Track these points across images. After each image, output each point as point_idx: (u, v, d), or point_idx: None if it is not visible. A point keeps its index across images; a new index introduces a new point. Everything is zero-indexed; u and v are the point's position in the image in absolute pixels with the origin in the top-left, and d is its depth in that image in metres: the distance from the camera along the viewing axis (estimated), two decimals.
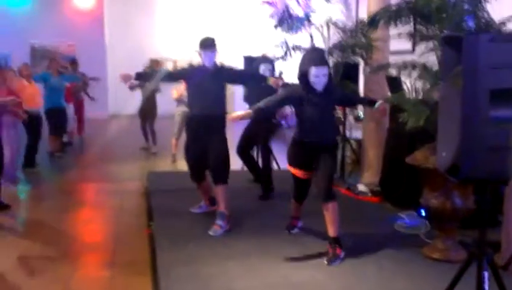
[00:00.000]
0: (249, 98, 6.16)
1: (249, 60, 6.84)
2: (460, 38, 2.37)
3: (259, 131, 5.84)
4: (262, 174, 5.87)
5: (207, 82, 4.61)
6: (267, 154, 5.90)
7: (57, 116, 8.41)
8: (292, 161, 4.25)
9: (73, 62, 10.61)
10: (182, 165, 5.90)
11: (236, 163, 7.00)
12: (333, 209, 3.95)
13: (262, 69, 5.63)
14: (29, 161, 7.51)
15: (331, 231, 3.97)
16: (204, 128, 4.67)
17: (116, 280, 3.89)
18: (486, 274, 2.47)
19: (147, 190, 6.27)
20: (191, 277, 3.62)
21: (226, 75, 4.84)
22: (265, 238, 4.42)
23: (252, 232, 4.59)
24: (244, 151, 6.06)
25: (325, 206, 3.97)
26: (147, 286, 3.76)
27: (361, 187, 6.05)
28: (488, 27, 3.93)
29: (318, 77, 3.92)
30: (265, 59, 5.76)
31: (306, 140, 4.09)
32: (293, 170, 4.25)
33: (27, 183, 6.57)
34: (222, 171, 4.67)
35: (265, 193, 5.71)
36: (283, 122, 7.70)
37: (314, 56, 4.10)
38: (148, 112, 9.20)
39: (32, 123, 7.25)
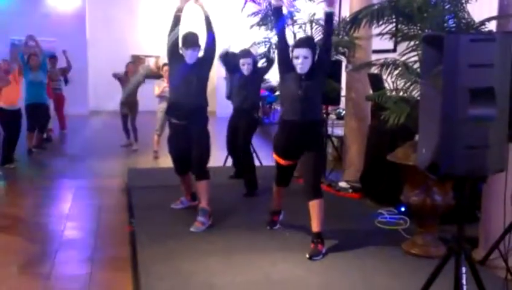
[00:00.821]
0: (230, 96, 6.17)
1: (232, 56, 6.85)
2: (441, 38, 2.40)
3: (240, 125, 5.85)
4: (245, 172, 5.88)
5: (188, 74, 4.59)
6: (248, 152, 5.90)
7: (37, 113, 8.30)
8: (277, 148, 4.23)
9: (53, 57, 10.48)
10: (164, 162, 5.87)
11: (218, 159, 7.01)
12: (319, 206, 3.97)
13: (242, 62, 5.68)
14: (7, 157, 7.41)
15: (315, 227, 4.00)
16: (184, 118, 4.63)
17: (96, 277, 3.86)
18: (464, 269, 2.51)
19: (127, 187, 6.22)
20: (171, 274, 3.60)
21: (206, 67, 4.80)
22: (246, 234, 4.42)
23: (234, 228, 4.59)
24: (232, 143, 6.07)
25: (310, 203, 3.99)
26: (127, 282, 3.74)
27: (342, 184, 6.09)
28: (468, 27, 3.99)
29: (298, 58, 3.94)
30: (245, 53, 5.82)
31: (287, 118, 4.08)
32: (277, 158, 4.24)
33: (5, 180, 6.48)
34: (203, 167, 4.66)
35: (250, 191, 5.73)
36: (266, 119, 7.76)
37: (297, 40, 4.20)
38: (129, 108, 9.13)
39: (8, 120, 7.19)
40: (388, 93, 4.40)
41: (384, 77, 4.54)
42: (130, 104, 9.10)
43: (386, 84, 4.80)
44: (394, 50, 6.21)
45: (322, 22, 6.55)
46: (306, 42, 4.09)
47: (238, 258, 3.92)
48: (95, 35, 14.26)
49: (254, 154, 6.18)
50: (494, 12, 4.05)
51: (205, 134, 4.71)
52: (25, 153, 8.18)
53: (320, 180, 4.18)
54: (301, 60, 3.93)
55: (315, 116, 4.12)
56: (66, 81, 10.42)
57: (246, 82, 5.72)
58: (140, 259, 3.86)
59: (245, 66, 5.65)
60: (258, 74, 5.96)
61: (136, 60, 9.92)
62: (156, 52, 14.76)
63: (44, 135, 9.35)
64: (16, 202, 5.88)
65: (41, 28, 13.46)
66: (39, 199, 5.96)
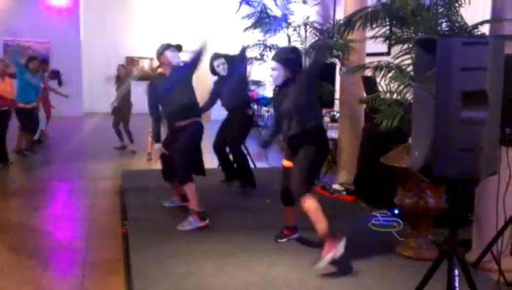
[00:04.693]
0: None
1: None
2: (434, 41, 2.41)
3: (233, 123, 5.92)
4: (240, 169, 5.95)
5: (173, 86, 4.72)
6: (238, 153, 5.93)
7: (26, 114, 8.29)
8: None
9: (44, 61, 10.47)
10: (157, 164, 5.85)
11: (212, 162, 7.00)
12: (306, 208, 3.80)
13: (216, 64, 5.88)
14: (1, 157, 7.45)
15: None
16: (174, 126, 4.80)
17: (89, 280, 3.83)
18: (456, 272, 2.52)
19: (121, 188, 6.21)
20: (165, 276, 3.59)
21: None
22: (241, 236, 4.42)
23: (228, 230, 4.59)
24: (219, 146, 6.07)
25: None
26: (120, 285, 3.72)
27: (336, 186, 6.10)
28: (462, 31, 4.01)
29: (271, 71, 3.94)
30: (217, 55, 5.97)
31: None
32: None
33: None
34: (178, 171, 4.63)
35: (244, 182, 5.93)
36: (261, 122, 7.79)
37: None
38: (122, 110, 9.11)
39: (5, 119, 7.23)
40: (382, 96, 4.42)
41: (378, 79, 4.55)
42: (123, 108, 9.10)
43: (379, 87, 4.82)
44: (388, 53, 6.22)
45: (316, 25, 6.59)
46: (277, 57, 3.97)
47: (233, 260, 3.91)
48: (89, 36, 14.22)
49: (248, 157, 6.17)
50: (487, 16, 4.08)
51: (187, 138, 4.70)
52: (15, 155, 8.14)
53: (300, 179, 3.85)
54: (272, 73, 3.90)
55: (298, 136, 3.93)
56: (60, 83, 10.38)
57: (227, 82, 5.88)
58: (134, 261, 3.85)
59: (220, 67, 5.86)
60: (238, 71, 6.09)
61: (130, 62, 9.88)
62: (151, 54, 14.72)
63: (36, 137, 9.31)
64: (7, 204, 5.84)
65: (34, 29, 13.44)
66: (31, 200, 5.92)
